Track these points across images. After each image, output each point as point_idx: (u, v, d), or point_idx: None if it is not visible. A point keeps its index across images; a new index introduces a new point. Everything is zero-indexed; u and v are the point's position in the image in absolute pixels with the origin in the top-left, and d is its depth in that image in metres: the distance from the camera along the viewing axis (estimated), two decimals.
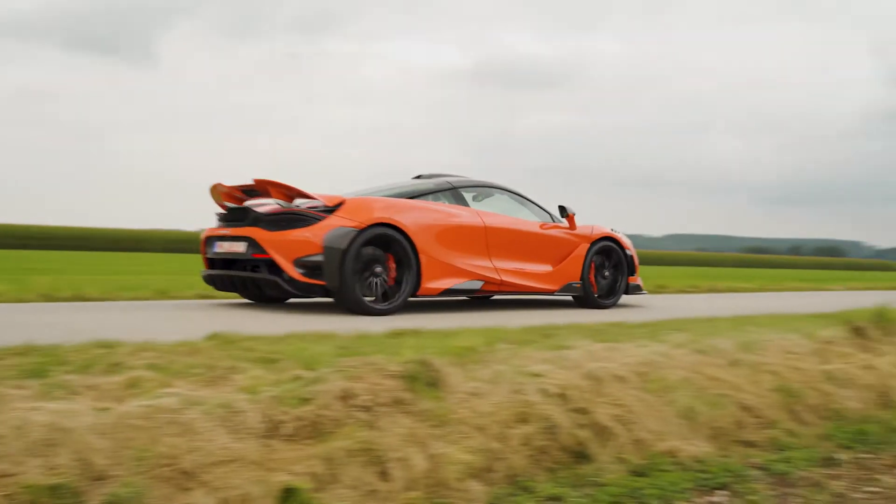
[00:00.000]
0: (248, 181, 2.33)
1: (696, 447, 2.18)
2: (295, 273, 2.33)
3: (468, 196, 3.18)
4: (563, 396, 2.23)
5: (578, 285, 3.46)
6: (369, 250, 2.41)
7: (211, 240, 2.74)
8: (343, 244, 2.31)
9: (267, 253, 2.30)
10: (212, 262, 2.81)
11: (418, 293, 2.81)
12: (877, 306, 3.77)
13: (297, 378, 1.76)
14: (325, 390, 1.69)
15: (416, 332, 2.67)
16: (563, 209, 3.53)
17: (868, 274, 30.03)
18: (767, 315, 4.41)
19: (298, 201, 2.43)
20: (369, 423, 1.67)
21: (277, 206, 2.29)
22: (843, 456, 2.22)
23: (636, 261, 4.00)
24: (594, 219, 3.97)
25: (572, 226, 3.47)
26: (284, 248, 2.29)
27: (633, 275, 3.89)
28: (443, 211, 2.88)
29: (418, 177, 3.43)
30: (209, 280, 2.93)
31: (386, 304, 2.74)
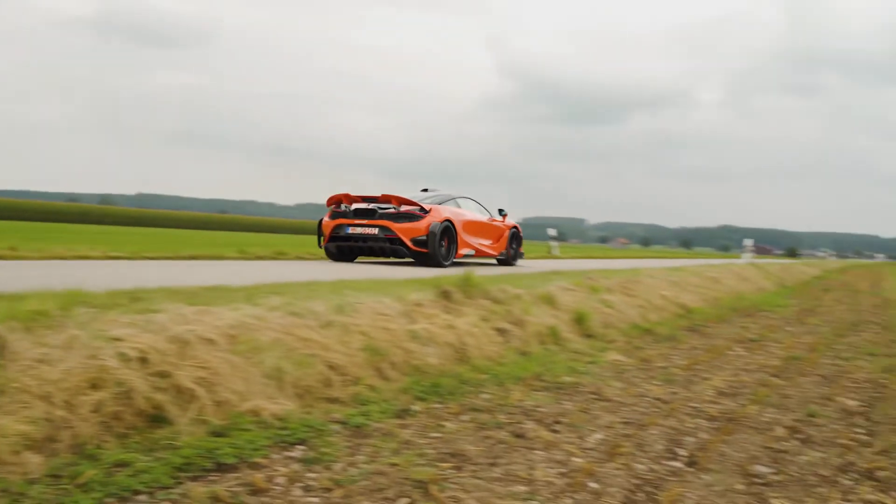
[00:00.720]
0: (375, 194, 10.23)
1: (279, 406, 3.68)
2: (411, 245, 10.17)
3: (459, 203, 12.01)
4: (143, 361, 3.34)
5: (505, 252, 12.92)
6: (441, 233, 10.09)
7: (342, 226, 10.12)
8: (438, 230, 10.06)
9: (395, 234, 9.79)
10: (336, 238, 10.31)
11: (455, 257, 11.92)
12: (464, 272, 6.51)
13: None
14: None
15: None
16: (501, 210, 13.25)
17: None
18: (369, 280, 7.07)
19: (405, 207, 10.32)
20: None
21: (395, 210, 9.27)
22: (418, 407, 4.18)
23: (522, 238, 14.32)
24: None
25: (504, 219, 12.42)
26: (405, 231, 9.84)
27: (520, 246, 14.34)
28: (464, 214, 11.07)
29: (425, 189, 12.09)
30: (330, 250, 11.07)
31: (447, 262, 11.41)
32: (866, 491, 3.33)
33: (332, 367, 4.19)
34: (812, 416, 4.70)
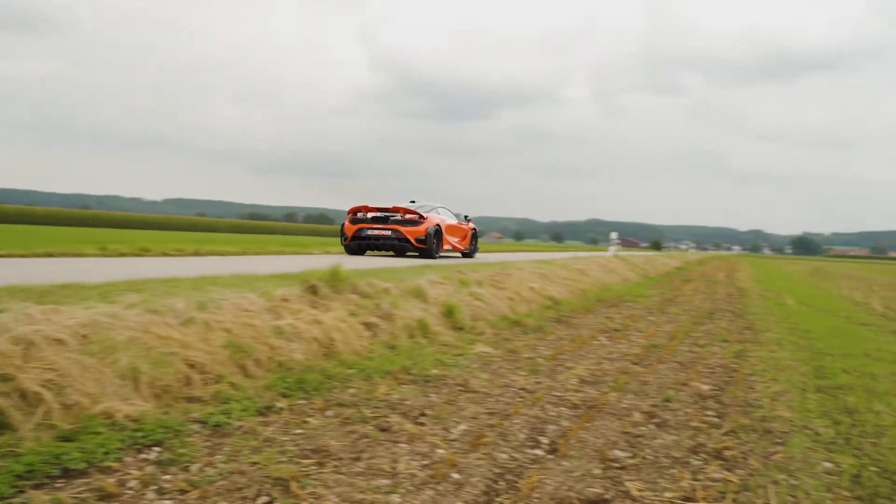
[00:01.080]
0: (387, 205, 14.88)
1: (134, 407, 3.54)
2: (415, 243, 14.47)
3: (439, 211, 16.69)
4: None
5: (468, 248, 17.91)
6: (434, 234, 14.61)
7: (362, 229, 14.31)
8: (433, 232, 14.49)
9: (403, 235, 14.11)
10: (357, 238, 14.42)
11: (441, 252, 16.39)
12: (332, 266, 6.46)
13: None
14: None
15: None
16: (466, 217, 18.57)
17: None
18: (233, 276, 6.93)
19: (408, 215, 14.68)
20: None
21: (401, 217, 13.95)
22: (282, 404, 4.12)
23: (478, 237, 19.08)
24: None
25: (468, 223, 17.68)
26: (410, 233, 14.17)
27: (477, 243, 19.03)
28: (445, 220, 15.71)
29: (413, 202, 16.66)
30: (351, 247, 15.06)
31: (437, 255, 15.65)
32: (713, 470, 3.51)
33: (192, 365, 4.06)
34: (668, 401, 4.91)
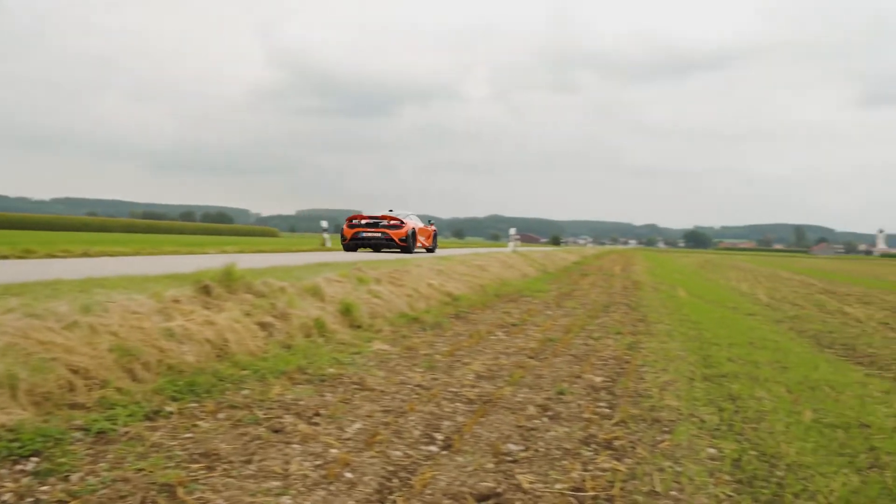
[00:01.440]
0: (379, 213, 20.20)
1: (11, 416, 3.38)
2: (398, 242, 19.18)
3: (411, 217, 21.53)
4: None
5: (431, 245, 22.56)
6: (411, 235, 19.37)
7: (358, 233, 19.17)
8: (411, 234, 19.42)
9: (390, 236, 18.92)
10: (354, 239, 19.29)
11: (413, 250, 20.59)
12: (225, 266, 6.32)
13: None
14: None
15: None
16: (430, 220, 23.73)
17: (251, 239, 46.49)
18: (123, 277, 6.71)
19: (392, 221, 19.49)
20: None
21: (387, 223, 18.84)
22: (171, 408, 4.01)
23: (437, 235, 24.30)
24: None
25: (430, 226, 22.57)
26: (395, 235, 18.89)
27: (437, 241, 24.26)
28: (416, 223, 20.57)
29: (391, 210, 21.84)
30: (349, 246, 19.78)
31: (413, 251, 20.30)
32: (603, 460, 3.60)
33: (75, 370, 3.91)
34: (562, 393, 5.01)
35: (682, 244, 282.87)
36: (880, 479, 3.52)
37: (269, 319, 5.83)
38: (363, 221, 19.99)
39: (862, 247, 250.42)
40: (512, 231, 29.96)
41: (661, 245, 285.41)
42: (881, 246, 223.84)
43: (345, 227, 20.09)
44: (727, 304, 13.47)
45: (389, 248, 20.00)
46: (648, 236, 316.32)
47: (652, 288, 16.56)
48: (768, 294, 17.15)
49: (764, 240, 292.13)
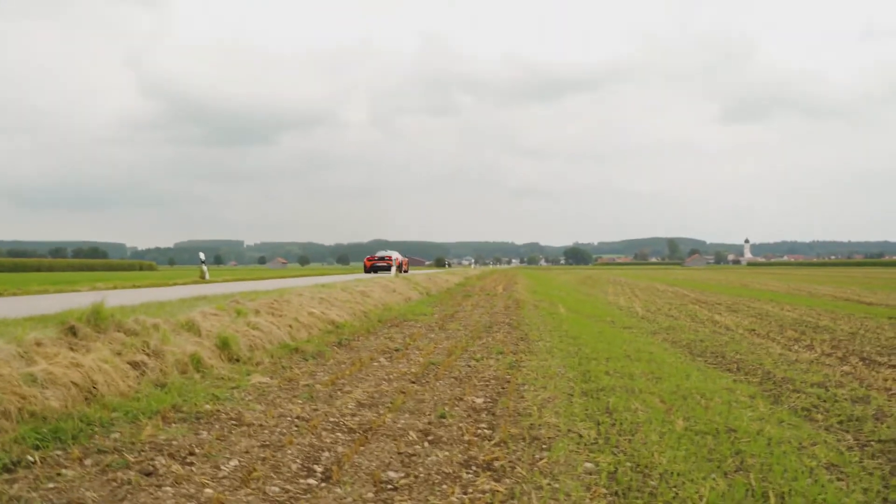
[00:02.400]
0: (378, 255, 44.25)
1: None
2: (395, 270, 38.17)
3: (395, 253, 45.80)
4: None
5: (406, 269, 44.86)
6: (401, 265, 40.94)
7: (373, 262, 42.59)
8: (402, 263, 41.83)
9: (391, 265, 39.61)
10: (372, 268, 42.10)
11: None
12: (93, 304, 6.08)
13: None
14: None
15: None
16: (401, 253, 49.44)
17: (126, 274, 45.17)
18: None
19: (390, 258, 42.49)
20: None
21: (389, 257, 41.37)
22: (33, 457, 3.81)
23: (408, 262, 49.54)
24: None
25: (404, 257, 44.52)
26: (394, 264, 39.43)
27: (408, 267, 50.07)
28: (399, 257, 42.72)
29: (384, 251, 47.18)
30: (369, 270, 42.93)
31: (401, 274, 37.24)
32: (483, 482, 3.63)
33: None
34: (443, 417, 5.03)
35: (563, 261, 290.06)
36: (745, 482, 3.69)
37: (141, 358, 5.63)
38: (377, 256, 40.99)
39: (731, 257, 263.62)
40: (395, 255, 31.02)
41: (543, 263, 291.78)
42: (748, 255, 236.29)
43: (365, 260, 41.27)
44: (605, 319, 13.87)
45: (388, 271, 36.68)
46: (531, 254, 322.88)
47: (533, 306, 16.88)
48: (644, 306, 17.75)
49: (640, 253, 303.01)
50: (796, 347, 9.50)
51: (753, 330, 11.81)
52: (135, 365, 5.53)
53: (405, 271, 40.33)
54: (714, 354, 8.80)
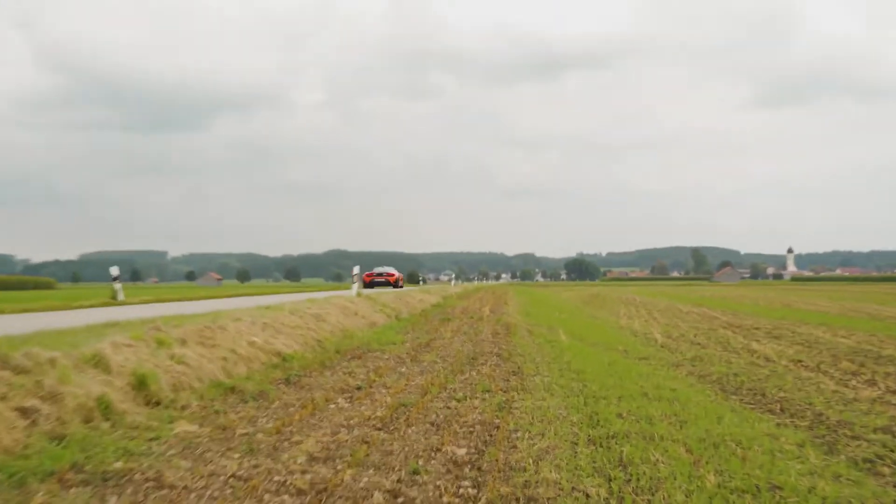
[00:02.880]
0: (377, 271, 60.59)
1: None
2: (394, 284, 55.72)
3: (391, 268, 63.89)
4: None
5: (401, 284, 58.64)
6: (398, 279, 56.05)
7: (372, 278, 56.22)
8: (401, 279, 60.14)
9: (390, 281, 55.94)
10: (371, 283, 54.99)
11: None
12: None
13: None
14: None
15: None
16: (397, 269, 68.46)
17: (16, 294, 44.99)
18: None
19: (389, 274, 59.04)
20: None
21: (388, 276, 56.20)
22: None
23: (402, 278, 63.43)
24: None
25: (398, 273, 59.24)
26: (392, 281, 56.19)
27: (403, 282, 64.49)
28: (396, 272, 59.51)
29: (380, 266, 65.38)
30: (368, 285, 54.11)
31: (399, 287, 54.55)
32: None
33: None
34: (416, 473, 4.97)
35: (563, 276, 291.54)
36: None
37: (32, 403, 5.51)
38: (375, 272, 51.35)
39: (770, 270, 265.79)
40: (356, 270, 29.98)
41: (540, 278, 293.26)
42: (791, 268, 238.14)
43: (364, 276, 47.09)
44: (617, 347, 13.89)
45: (387, 287, 45.73)
46: (524, 268, 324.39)
47: (527, 332, 16.90)
48: (665, 332, 17.82)
49: (658, 266, 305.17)
50: (854, 383, 9.54)
51: (800, 361, 11.86)
52: (24, 412, 5.41)
53: (399, 286, 50.82)
54: (752, 392, 8.81)
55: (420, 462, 5.24)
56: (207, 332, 9.49)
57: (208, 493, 4.51)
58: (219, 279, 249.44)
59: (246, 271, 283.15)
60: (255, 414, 6.87)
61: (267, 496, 4.48)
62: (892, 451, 5.91)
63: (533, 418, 6.75)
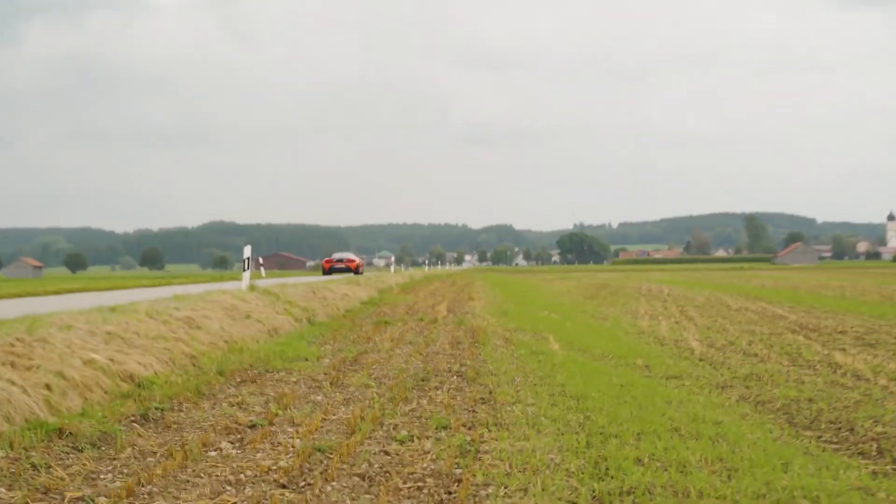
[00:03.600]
0: (342, 257, 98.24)
1: None
2: (354, 270, 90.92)
3: (352, 255, 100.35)
4: None
5: (362, 271, 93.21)
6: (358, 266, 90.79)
7: (331, 265, 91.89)
8: (361, 265, 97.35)
9: (349, 267, 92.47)
10: (330, 269, 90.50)
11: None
12: None
13: None
14: None
15: None
16: (358, 254, 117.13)
17: None
18: None
19: (349, 260, 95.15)
20: None
21: (348, 262, 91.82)
22: None
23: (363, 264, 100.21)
24: None
25: (359, 259, 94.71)
26: (353, 266, 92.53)
27: (363, 268, 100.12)
28: (357, 259, 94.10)
29: (341, 252, 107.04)
30: (327, 272, 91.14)
31: (359, 274, 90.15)
32: None
33: None
34: None
35: (556, 258, 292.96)
36: None
37: None
38: (334, 258, 76.93)
39: (862, 247, 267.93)
40: (247, 251, 29.66)
41: (522, 261, 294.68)
42: (893, 244, 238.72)
43: (323, 263, 77.17)
44: (634, 362, 13.99)
45: (347, 273, 63.80)
46: (498, 247, 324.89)
47: (503, 340, 16.98)
48: (705, 338, 17.97)
49: (696, 242, 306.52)
50: None
51: None
52: None
53: (360, 272, 66.02)
54: (834, 425, 8.91)
55: None
56: (20, 346, 9.43)
57: None
58: (38, 267, 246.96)
59: (80, 255, 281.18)
60: (94, 468, 6.85)
61: None
62: None
63: (511, 467, 6.78)
